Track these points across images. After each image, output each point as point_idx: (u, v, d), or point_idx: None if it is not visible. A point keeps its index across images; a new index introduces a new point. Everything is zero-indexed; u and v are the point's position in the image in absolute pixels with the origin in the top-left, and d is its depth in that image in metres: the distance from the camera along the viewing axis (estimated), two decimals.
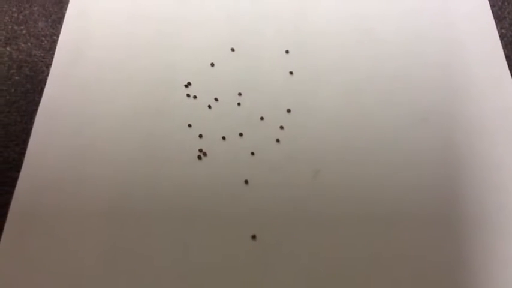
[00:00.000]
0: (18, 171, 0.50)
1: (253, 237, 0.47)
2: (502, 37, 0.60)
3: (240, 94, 0.55)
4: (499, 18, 0.61)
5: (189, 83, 0.56)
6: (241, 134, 0.53)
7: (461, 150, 0.52)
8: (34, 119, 0.54)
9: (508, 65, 0.58)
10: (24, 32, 0.60)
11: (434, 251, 0.47)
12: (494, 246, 0.47)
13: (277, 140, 0.53)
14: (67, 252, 0.46)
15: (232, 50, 0.59)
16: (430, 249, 0.47)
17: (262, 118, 0.54)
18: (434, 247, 0.47)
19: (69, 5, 0.62)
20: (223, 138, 0.53)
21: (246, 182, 0.50)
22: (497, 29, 0.60)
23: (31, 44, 0.59)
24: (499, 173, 0.51)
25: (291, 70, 0.57)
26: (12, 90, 0.56)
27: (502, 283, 0.45)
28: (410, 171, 0.51)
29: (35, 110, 0.54)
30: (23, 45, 0.59)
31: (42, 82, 0.56)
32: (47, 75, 0.57)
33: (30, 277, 0.45)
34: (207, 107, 0.55)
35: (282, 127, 0.53)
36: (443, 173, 0.51)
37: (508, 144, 0.52)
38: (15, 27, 0.60)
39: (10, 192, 0.49)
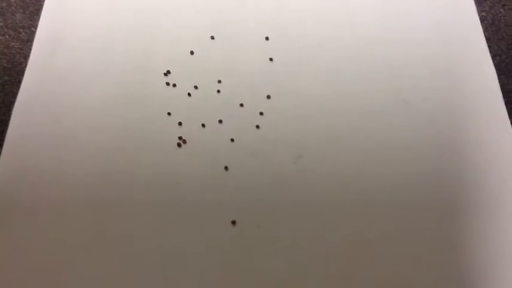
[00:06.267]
0: None
1: (233, 222, 0.47)
2: (483, 20, 0.60)
3: (219, 81, 0.55)
4: (479, 1, 0.61)
5: (168, 71, 0.56)
6: (220, 121, 0.53)
7: (442, 132, 0.52)
8: (12, 111, 0.53)
9: (489, 47, 0.57)
10: (1, 24, 0.59)
11: (417, 232, 0.47)
12: (474, 225, 0.47)
13: (257, 126, 0.52)
14: (48, 241, 0.46)
15: (212, 37, 0.58)
16: (413, 231, 0.47)
17: (241, 105, 0.54)
18: (417, 228, 0.47)
19: None
20: (203, 125, 0.52)
21: (226, 168, 0.50)
22: (478, 11, 0.60)
23: (9, 36, 0.59)
24: (480, 154, 0.51)
25: (270, 56, 0.57)
26: None
27: (484, 260, 0.45)
28: (392, 154, 0.51)
29: (13, 102, 0.53)
30: (0, 37, 0.58)
31: (20, 74, 0.56)
32: (25, 66, 0.56)
33: (13, 266, 0.45)
34: (187, 95, 0.54)
35: (261, 113, 0.53)
36: (426, 154, 0.51)
37: (488, 125, 0.52)
38: None
39: None
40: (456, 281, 0.44)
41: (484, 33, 0.58)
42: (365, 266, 0.45)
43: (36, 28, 0.59)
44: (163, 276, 0.44)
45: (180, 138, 0.51)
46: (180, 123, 0.52)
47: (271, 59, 0.57)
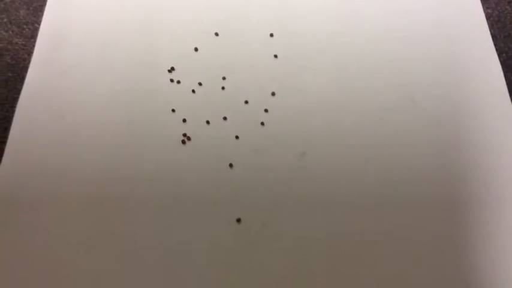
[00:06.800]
0: (0, 160, 0.50)
1: (238, 220, 0.47)
2: (488, 17, 0.59)
3: (224, 78, 0.55)
4: None
5: (172, 68, 0.55)
6: (225, 118, 0.52)
7: (448, 131, 0.52)
8: (15, 107, 0.53)
9: (494, 44, 0.57)
10: (5, 20, 0.59)
11: (421, 230, 0.46)
12: (479, 223, 0.46)
13: (262, 123, 0.52)
14: (52, 237, 0.46)
15: (216, 34, 0.58)
16: (418, 229, 0.46)
17: (246, 102, 0.53)
18: (422, 227, 0.46)
19: None
20: (207, 122, 0.52)
21: (231, 165, 0.50)
22: (484, 8, 0.60)
23: (12, 32, 0.58)
24: (486, 152, 0.50)
25: (275, 53, 0.56)
26: None
27: (487, 258, 0.45)
28: (398, 153, 0.50)
29: (16, 98, 0.53)
30: (4, 33, 0.58)
31: (24, 70, 0.55)
32: (29, 63, 0.56)
33: (15, 263, 0.44)
34: (191, 92, 0.54)
35: (266, 110, 0.53)
36: (431, 153, 0.50)
37: (494, 123, 0.52)
38: None
39: None
40: (461, 280, 0.44)
41: (490, 31, 0.58)
42: (370, 264, 0.45)
43: (39, 24, 0.59)
44: (167, 274, 0.44)
45: (184, 135, 0.51)
46: (184, 120, 0.52)
47: (275, 56, 0.56)
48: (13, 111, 0.52)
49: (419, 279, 0.44)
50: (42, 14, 0.59)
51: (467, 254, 0.45)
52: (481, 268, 0.44)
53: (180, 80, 0.55)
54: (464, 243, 0.46)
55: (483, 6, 0.60)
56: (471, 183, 0.49)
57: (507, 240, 0.46)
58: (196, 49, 0.57)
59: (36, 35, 0.58)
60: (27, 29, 0.59)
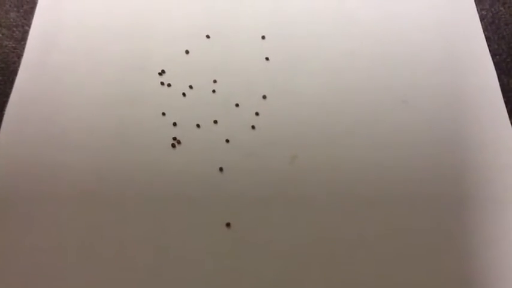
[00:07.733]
0: None
1: (228, 225, 0.46)
2: (482, 18, 0.59)
3: (215, 81, 0.54)
4: None
5: (163, 71, 0.55)
6: (216, 121, 0.52)
7: (441, 131, 0.51)
8: (5, 111, 0.52)
9: (488, 46, 0.57)
10: None
11: (415, 230, 0.46)
12: (476, 223, 0.46)
13: (253, 127, 0.52)
14: (42, 240, 0.45)
15: (208, 36, 0.57)
16: (411, 230, 0.46)
17: (237, 105, 0.53)
18: (416, 227, 0.46)
19: None
20: (198, 126, 0.52)
21: (221, 169, 0.49)
22: (478, 10, 0.59)
23: (2, 34, 0.58)
24: (480, 153, 0.50)
25: (267, 56, 0.56)
26: None
27: (485, 259, 0.44)
28: (391, 154, 0.50)
29: (6, 102, 0.53)
30: None
31: (14, 73, 0.55)
32: (19, 66, 0.55)
33: (8, 266, 0.44)
34: (182, 95, 0.54)
35: (257, 113, 0.52)
36: (424, 154, 0.50)
37: (488, 124, 0.52)
38: None
39: None
40: (460, 280, 0.44)
41: (484, 32, 0.58)
42: (365, 267, 0.44)
43: (30, 27, 0.58)
44: (155, 278, 0.44)
45: (174, 138, 0.51)
46: (174, 124, 0.52)
47: (267, 59, 0.56)
48: (2, 115, 0.52)
49: (417, 280, 0.44)
50: (33, 17, 0.59)
51: (466, 254, 0.45)
52: (482, 269, 0.44)
53: (171, 83, 0.54)
54: (461, 243, 0.45)
55: (477, 8, 0.59)
56: (463, 183, 0.48)
57: (506, 239, 0.45)
58: (187, 52, 0.56)
59: (27, 38, 0.57)
60: (17, 32, 0.58)
